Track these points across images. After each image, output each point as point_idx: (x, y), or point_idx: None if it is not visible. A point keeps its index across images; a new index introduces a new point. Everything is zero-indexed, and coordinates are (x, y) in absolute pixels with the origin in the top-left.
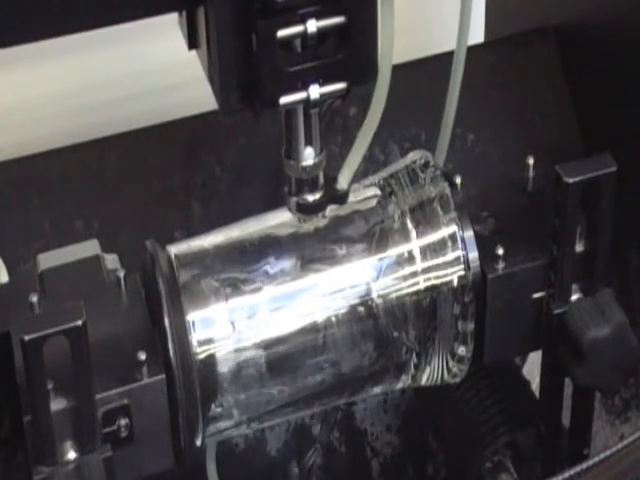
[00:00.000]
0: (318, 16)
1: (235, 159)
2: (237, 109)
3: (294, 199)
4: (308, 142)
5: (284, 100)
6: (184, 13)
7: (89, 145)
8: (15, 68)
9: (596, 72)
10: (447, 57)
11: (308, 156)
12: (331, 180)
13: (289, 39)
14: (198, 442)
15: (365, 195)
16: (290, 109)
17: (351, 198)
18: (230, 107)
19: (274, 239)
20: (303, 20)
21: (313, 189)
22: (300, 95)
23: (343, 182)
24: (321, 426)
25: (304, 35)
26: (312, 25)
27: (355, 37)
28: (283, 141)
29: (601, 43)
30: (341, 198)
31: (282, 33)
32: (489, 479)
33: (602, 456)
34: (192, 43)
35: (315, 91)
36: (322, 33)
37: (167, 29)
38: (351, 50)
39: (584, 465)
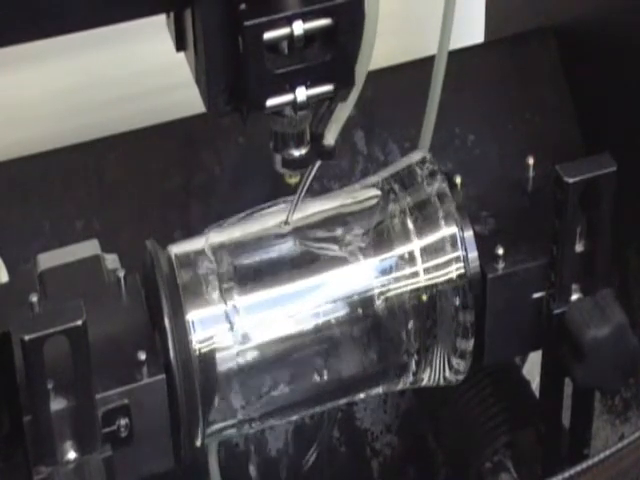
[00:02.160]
0: (305, 18)
1: (235, 159)
2: (224, 111)
3: (279, 155)
4: None
5: (271, 102)
6: (172, 15)
7: (89, 145)
8: (15, 68)
9: (596, 72)
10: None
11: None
12: (318, 136)
13: (276, 41)
14: (198, 442)
15: (365, 195)
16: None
17: (351, 198)
18: (217, 109)
19: (274, 239)
20: (290, 22)
21: (299, 144)
22: (287, 97)
23: (330, 138)
24: (321, 426)
25: (291, 37)
26: (299, 27)
27: (342, 39)
28: None
29: (601, 43)
30: (328, 154)
31: (269, 35)
32: (489, 479)
33: (602, 456)
34: (180, 45)
35: (302, 93)
36: (309, 35)
37: (166, 29)
38: (338, 52)
39: (584, 465)
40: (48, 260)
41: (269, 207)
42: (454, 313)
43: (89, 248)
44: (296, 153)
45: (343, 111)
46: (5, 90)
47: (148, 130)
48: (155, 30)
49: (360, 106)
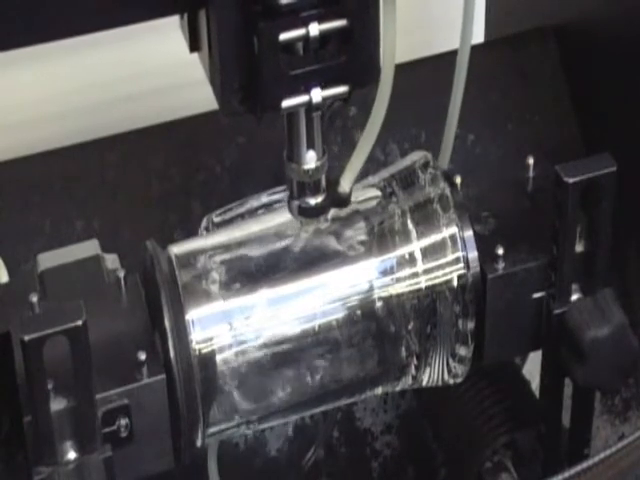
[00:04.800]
0: (320, 19)
1: (235, 159)
2: (238, 112)
3: (296, 202)
4: (310, 145)
5: (286, 103)
6: (186, 16)
7: (89, 145)
8: (15, 68)
9: (596, 72)
10: (447, 57)
11: (310, 159)
12: (333, 183)
13: (291, 42)
14: (198, 442)
15: (365, 196)
16: (292, 112)
17: (351, 199)
18: (231, 110)
19: (274, 239)
20: (305, 23)
21: (315, 192)
22: (302, 98)
23: (345, 185)
24: (321, 426)
25: (306, 38)
26: (314, 28)
27: (357, 40)
28: (285, 144)
29: (601, 43)
30: (343, 201)
31: (284, 36)
32: (489, 479)
33: (602, 456)
34: (194, 46)
35: (317, 94)
36: (324, 36)
37: (167, 30)
38: (353, 53)
39: (584, 465)
40: (48, 260)
41: (269, 195)
42: (454, 319)
43: (89, 248)
44: (312, 201)
45: (358, 159)
46: (6, 90)
47: (148, 130)
48: (156, 31)
49: (361, 106)
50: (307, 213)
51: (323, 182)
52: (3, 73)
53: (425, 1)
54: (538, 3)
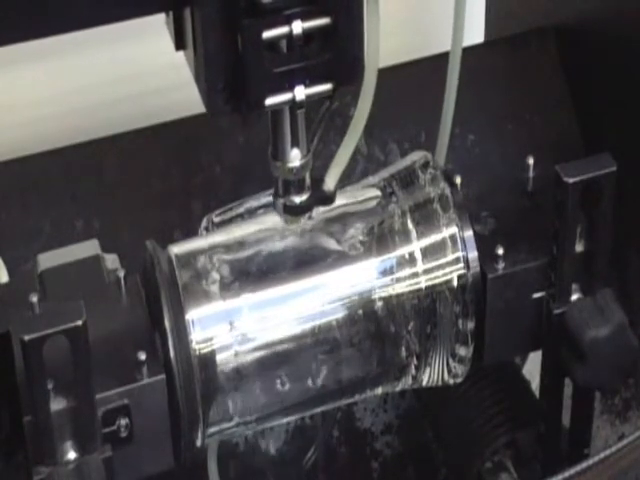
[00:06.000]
0: (304, 17)
1: (235, 159)
2: (223, 110)
3: (281, 200)
4: (294, 143)
5: (270, 101)
6: (171, 14)
7: (89, 145)
8: (15, 68)
9: (596, 72)
10: (447, 57)
11: (294, 157)
12: (318, 181)
13: (275, 40)
14: (198, 442)
15: (365, 196)
16: (276, 110)
17: (351, 199)
18: (216, 108)
19: (274, 239)
20: (289, 21)
21: (300, 190)
22: (286, 96)
23: (330, 183)
24: (321, 426)
25: (290, 36)
26: (297, 26)
27: (341, 38)
28: (270, 142)
29: (601, 43)
30: (328, 199)
31: (268, 34)
32: (489, 479)
33: (602, 455)
34: (179, 44)
35: (301, 92)
36: (308, 34)
37: (166, 29)
38: (337, 51)
39: (584, 464)
40: (48, 260)
41: (268, 195)
42: (454, 319)
43: (89, 248)
44: (297, 200)
45: (343, 156)
46: (5, 90)
47: (148, 130)
48: (155, 30)
49: None
50: (292, 211)
51: (308, 180)
52: (3, 73)
53: (426, 2)
54: (538, 3)
